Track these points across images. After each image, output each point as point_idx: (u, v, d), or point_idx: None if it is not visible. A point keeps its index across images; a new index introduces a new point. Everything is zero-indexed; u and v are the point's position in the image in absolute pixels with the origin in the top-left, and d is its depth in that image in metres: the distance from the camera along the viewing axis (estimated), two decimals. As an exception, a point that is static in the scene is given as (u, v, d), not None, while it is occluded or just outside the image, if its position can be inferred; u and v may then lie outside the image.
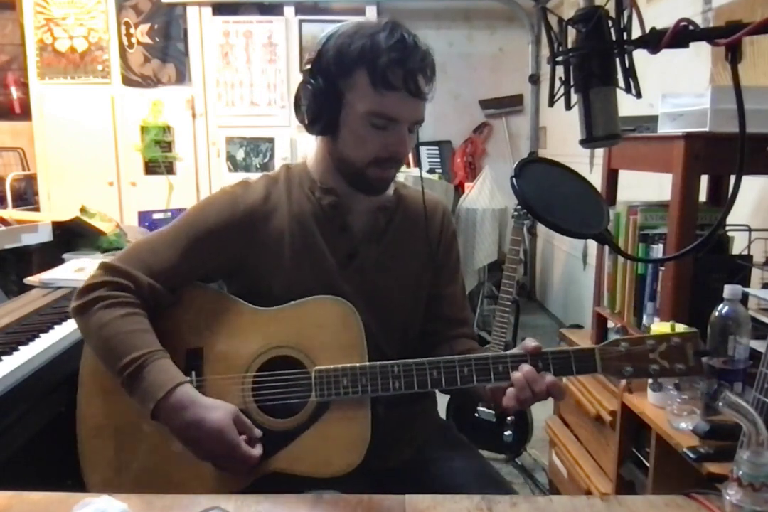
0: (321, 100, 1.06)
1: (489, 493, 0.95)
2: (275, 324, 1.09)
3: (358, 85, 1.04)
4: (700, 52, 2.11)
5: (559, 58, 0.80)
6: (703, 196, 1.65)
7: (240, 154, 4.48)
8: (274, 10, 4.44)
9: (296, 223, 1.14)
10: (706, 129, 1.40)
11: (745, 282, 1.46)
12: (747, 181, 0.75)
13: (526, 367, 0.98)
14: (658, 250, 1.58)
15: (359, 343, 1.05)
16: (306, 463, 1.03)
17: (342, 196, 1.15)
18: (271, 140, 4.45)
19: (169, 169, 4.47)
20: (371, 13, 4.44)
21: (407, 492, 0.94)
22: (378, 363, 1.02)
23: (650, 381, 1.00)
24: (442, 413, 1.57)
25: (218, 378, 1.07)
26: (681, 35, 0.75)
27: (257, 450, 1.01)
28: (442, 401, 1.43)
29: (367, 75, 1.03)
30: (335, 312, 1.07)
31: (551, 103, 0.82)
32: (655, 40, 0.76)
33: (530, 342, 1.01)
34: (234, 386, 1.06)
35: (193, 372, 1.07)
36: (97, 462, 1.10)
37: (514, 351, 1.02)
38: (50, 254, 2.26)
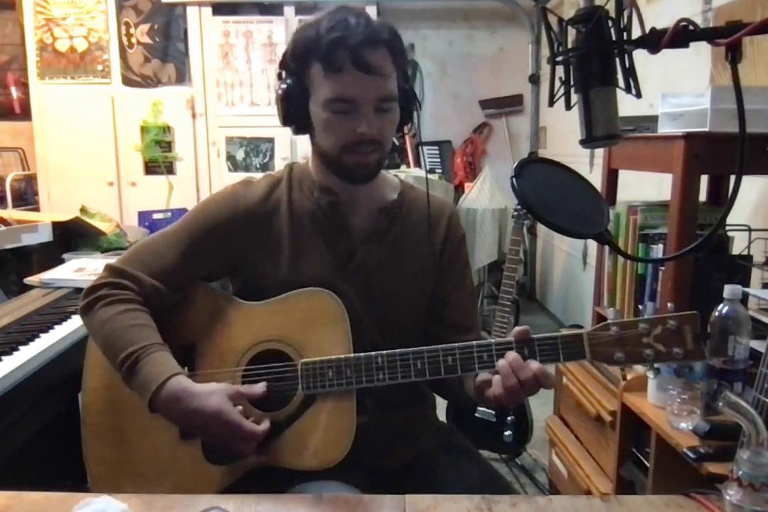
0: (290, 101, 1.07)
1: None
2: (263, 318, 1.10)
3: (315, 77, 1.05)
4: (700, 52, 2.11)
5: (559, 58, 0.80)
6: (703, 196, 1.65)
7: (240, 154, 4.47)
8: (274, 10, 4.43)
9: (296, 223, 1.14)
10: (706, 129, 1.40)
11: (745, 282, 1.46)
12: (747, 181, 0.75)
13: (511, 355, 0.94)
14: (658, 250, 1.58)
15: (345, 336, 1.04)
16: (292, 456, 1.03)
17: (341, 195, 1.15)
18: (271, 140, 4.45)
19: (169, 169, 4.46)
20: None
21: (407, 493, 0.94)
22: (362, 354, 1.01)
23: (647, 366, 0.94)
24: (442, 415, 1.56)
25: (209, 373, 1.08)
26: (681, 35, 0.75)
27: (263, 426, 1.01)
28: (442, 402, 1.42)
29: (319, 64, 1.03)
30: (321, 305, 1.06)
31: (551, 103, 0.82)
32: (655, 40, 0.76)
33: (517, 328, 0.98)
34: (224, 380, 1.07)
35: (185, 368, 1.08)
36: (100, 459, 1.11)
37: (501, 339, 0.99)
38: (50, 254, 2.26)
